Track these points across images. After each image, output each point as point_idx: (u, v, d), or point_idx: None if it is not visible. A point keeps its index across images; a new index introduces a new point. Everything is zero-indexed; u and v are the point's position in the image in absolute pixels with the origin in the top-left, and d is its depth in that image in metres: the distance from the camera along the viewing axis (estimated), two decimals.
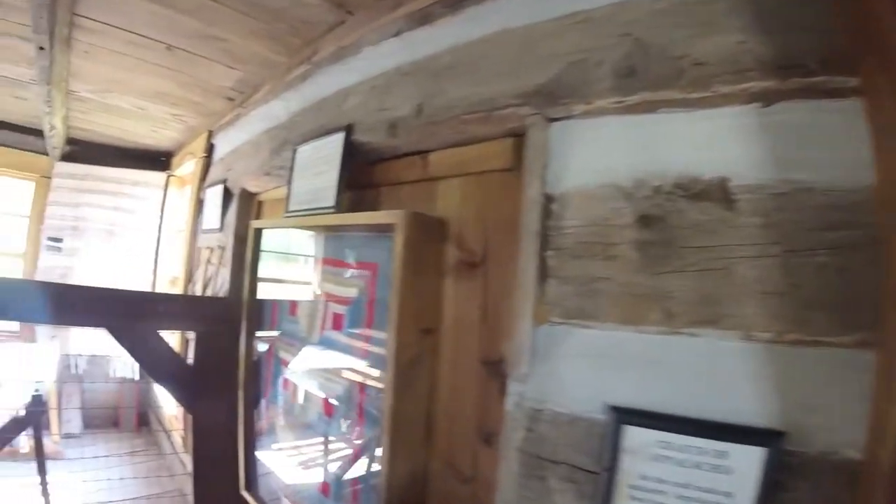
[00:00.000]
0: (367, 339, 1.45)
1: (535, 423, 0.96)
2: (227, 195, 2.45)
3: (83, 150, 3.96)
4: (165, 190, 3.87)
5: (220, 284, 2.40)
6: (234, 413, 2.16)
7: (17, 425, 2.42)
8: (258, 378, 1.99)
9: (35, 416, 2.43)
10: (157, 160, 3.99)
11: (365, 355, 1.45)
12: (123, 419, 4.04)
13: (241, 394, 2.00)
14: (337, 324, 1.58)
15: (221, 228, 2.47)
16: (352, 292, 1.53)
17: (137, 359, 2.01)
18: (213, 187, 2.62)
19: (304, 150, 1.74)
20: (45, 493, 2.40)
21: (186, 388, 2.03)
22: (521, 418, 0.98)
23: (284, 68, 2.08)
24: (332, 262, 1.63)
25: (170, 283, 3.79)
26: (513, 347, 1.03)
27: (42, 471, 2.42)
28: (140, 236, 3.82)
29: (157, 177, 3.89)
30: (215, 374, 2.05)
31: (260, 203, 2.33)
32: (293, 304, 1.82)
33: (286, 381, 1.81)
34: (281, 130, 2.04)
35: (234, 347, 2.20)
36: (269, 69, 2.16)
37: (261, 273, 1.95)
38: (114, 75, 2.45)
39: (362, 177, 1.59)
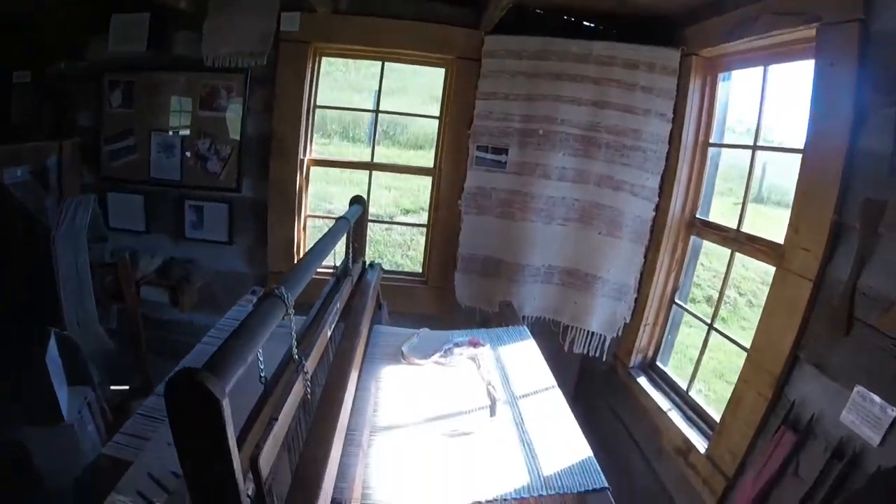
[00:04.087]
0: None
1: None
2: None
3: (521, 17, 2.71)
4: (680, 78, 2.52)
5: None
6: None
7: None
8: None
9: None
10: (653, 30, 2.61)
11: None
12: None
13: None
14: None
15: None
16: None
17: None
18: None
19: None
20: None
21: None
22: None
23: None
24: None
25: (682, 229, 2.61)
26: None
27: None
28: (642, 147, 2.59)
29: (666, 55, 2.53)
30: None
31: None
32: None
33: None
34: None
35: None
36: None
37: None
38: None
39: None
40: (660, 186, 2.61)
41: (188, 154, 2.95)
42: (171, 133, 2.96)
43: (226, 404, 0.58)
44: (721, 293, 2.38)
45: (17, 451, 1.91)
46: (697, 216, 2.54)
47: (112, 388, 2.51)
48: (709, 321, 2.35)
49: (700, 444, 2.10)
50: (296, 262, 2.93)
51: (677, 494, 2.22)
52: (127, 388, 2.68)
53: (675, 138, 2.55)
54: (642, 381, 2.64)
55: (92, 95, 2.94)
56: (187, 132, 2.95)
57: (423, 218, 3.28)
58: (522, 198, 2.76)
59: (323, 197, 5.81)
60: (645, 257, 2.70)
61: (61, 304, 2.40)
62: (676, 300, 2.64)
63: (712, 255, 4.79)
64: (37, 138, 2.84)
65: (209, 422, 0.58)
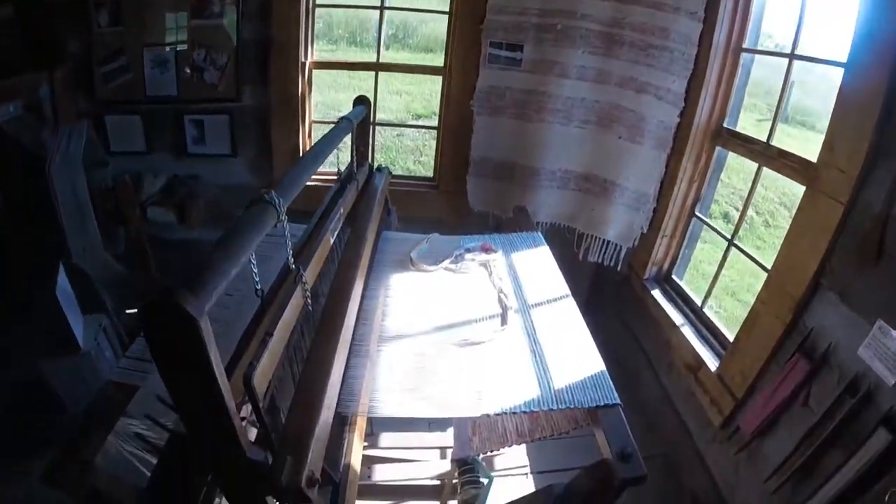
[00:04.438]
0: None
1: None
2: None
3: None
4: None
5: None
6: None
7: None
8: None
9: None
10: None
11: None
12: None
13: None
14: None
15: None
16: None
17: None
18: None
19: None
20: None
21: None
22: None
23: None
24: None
25: (707, 138, 2.38)
26: None
27: None
28: (669, 47, 2.36)
29: None
30: None
31: None
32: None
33: None
34: None
35: None
36: None
37: None
38: None
39: None
40: (686, 91, 2.41)
41: (187, 70, 2.77)
42: (167, 49, 2.75)
43: (205, 324, 0.52)
44: (744, 209, 2.26)
45: (39, 382, 1.95)
46: (725, 126, 2.36)
47: (127, 312, 2.53)
48: (729, 237, 2.25)
49: (711, 362, 2.09)
50: None
51: (684, 410, 2.25)
52: None
53: (705, 40, 2.31)
54: (656, 293, 2.60)
55: (79, 18, 2.71)
56: (184, 46, 2.74)
57: (435, 122, 3.11)
58: (538, 98, 2.57)
59: (332, 105, 5.57)
60: (666, 166, 2.55)
61: (65, 234, 2.36)
62: (697, 213, 2.53)
63: (731, 170, 4.59)
64: (26, 73, 2.68)
65: (189, 344, 0.52)
